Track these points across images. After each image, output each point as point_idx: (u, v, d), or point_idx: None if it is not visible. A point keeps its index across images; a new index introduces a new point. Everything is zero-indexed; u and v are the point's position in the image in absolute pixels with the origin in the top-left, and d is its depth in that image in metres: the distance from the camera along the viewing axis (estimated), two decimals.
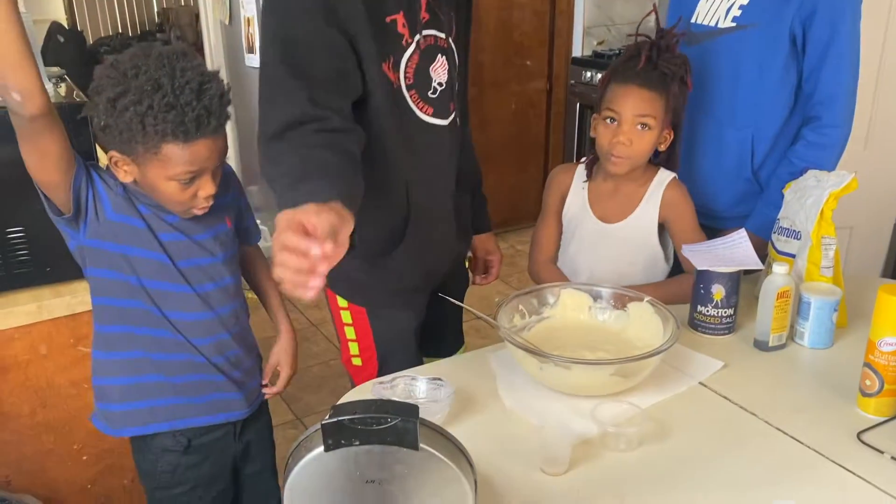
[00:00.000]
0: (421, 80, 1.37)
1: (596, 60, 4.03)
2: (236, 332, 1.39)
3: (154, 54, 1.15)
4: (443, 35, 1.40)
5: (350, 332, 1.57)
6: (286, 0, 1.26)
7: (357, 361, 1.59)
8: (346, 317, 1.56)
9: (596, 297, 1.44)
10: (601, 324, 1.43)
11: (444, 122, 1.43)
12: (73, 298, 1.57)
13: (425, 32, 1.36)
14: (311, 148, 1.16)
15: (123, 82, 1.13)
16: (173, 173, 1.17)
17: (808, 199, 1.49)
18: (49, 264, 1.58)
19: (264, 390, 1.50)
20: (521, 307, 1.41)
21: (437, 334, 1.71)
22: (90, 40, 6.81)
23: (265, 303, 1.56)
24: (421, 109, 1.38)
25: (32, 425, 1.64)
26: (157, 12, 7.33)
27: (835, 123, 1.65)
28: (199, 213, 1.26)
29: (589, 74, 4.01)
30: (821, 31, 1.60)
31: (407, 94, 1.35)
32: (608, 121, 1.55)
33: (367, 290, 1.52)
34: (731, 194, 1.79)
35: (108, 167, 1.25)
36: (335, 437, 0.80)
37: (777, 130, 1.72)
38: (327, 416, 0.81)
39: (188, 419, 1.36)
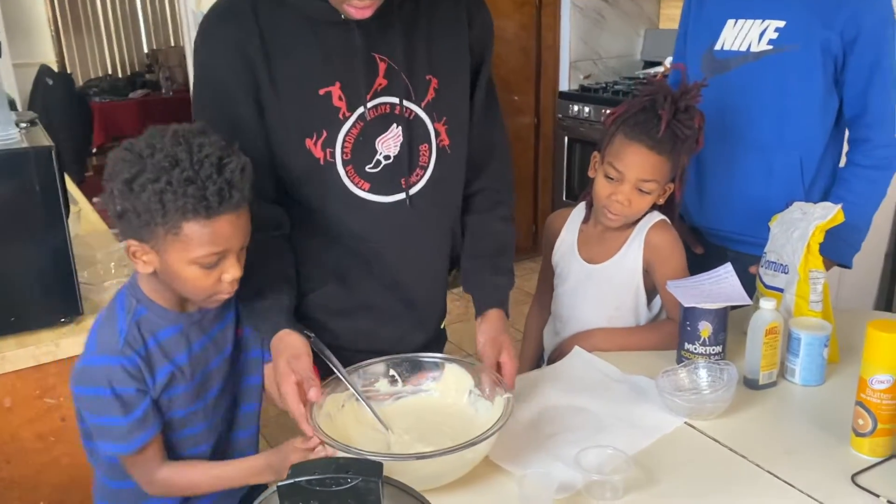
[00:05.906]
0: (361, 154, 1.26)
1: (583, 94, 4.04)
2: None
3: (169, 132, 1.10)
4: (398, 102, 1.27)
5: None
6: (211, 78, 1.23)
7: None
8: None
9: (478, 381, 1.26)
10: (472, 414, 1.25)
11: (385, 200, 1.29)
12: (37, 349, 1.51)
13: (377, 101, 1.25)
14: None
15: (139, 162, 1.07)
16: (195, 256, 1.10)
17: (795, 232, 1.46)
18: (13, 314, 1.52)
19: None
20: (391, 372, 1.29)
21: None
22: (80, 82, 6.83)
23: None
24: (357, 185, 1.27)
25: None
26: (146, 54, 7.37)
27: (888, 143, 1.63)
28: (226, 297, 1.19)
29: (576, 108, 4.03)
30: (865, 53, 1.58)
31: (343, 170, 1.26)
32: (608, 177, 1.49)
33: None
34: None
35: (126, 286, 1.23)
36: (292, 499, 0.75)
37: (823, 150, 1.70)
38: (285, 477, 0.77)
39: None
